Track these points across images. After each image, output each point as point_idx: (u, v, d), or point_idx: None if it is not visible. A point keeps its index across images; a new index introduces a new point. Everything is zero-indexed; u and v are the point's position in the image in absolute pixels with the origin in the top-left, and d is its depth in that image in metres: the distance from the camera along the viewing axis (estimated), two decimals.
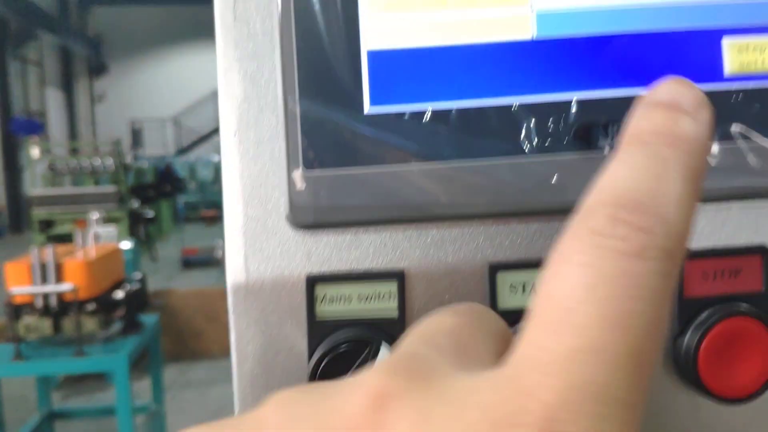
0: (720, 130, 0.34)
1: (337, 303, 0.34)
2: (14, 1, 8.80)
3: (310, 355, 0.33)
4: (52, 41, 11.92)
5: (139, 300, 2.79)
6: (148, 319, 2.83)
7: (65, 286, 2.46)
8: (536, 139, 0.34)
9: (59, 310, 2.48)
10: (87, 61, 14.09)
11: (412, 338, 0.21)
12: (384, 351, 0.31)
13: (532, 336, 0.17)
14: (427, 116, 0.34)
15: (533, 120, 0.34)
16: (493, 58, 0.34)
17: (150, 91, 14.83)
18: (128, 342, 2.56)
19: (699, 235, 0.34)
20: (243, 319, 0.34)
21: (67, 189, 6.90)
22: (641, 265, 0.17)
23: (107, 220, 4.55)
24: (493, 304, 0.34)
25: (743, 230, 0.35)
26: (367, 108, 0.34)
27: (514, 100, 0.34)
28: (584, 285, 0.17)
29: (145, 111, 14.40)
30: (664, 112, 0.20)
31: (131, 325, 2.65)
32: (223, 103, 0.34)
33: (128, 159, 8.79)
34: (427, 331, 0.21)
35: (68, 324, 2.48)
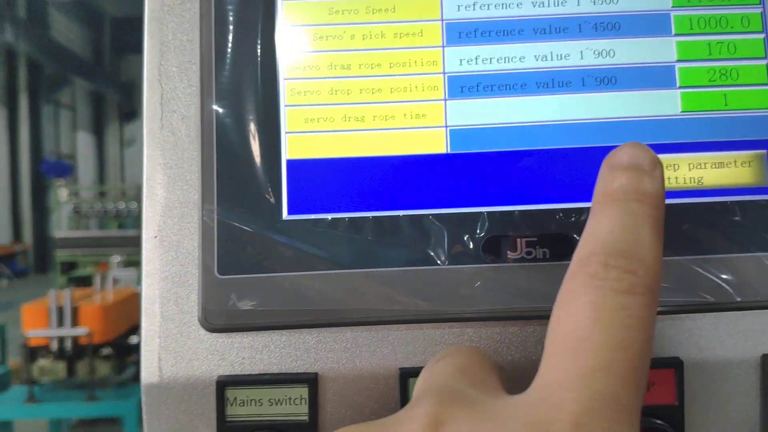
0: None
1: (248, 406, 0.35)
2: (50, 47, 9.09)
3: None
4: (85, 86, 12.24)
5: None
6: None
7: (80, 330, 2.49)
8: (448, 250, 0.35)
9: (74, 353, 2.50)
10: (118, 106, 14.44)
11: (435, 377, 0.25)
12: None
13: (552, 362, 0.22)
14: (343, 225, 0.35)
15: (445, 231, 0.35)
16: (408, 170, 0.35)
17: None
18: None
19: None
20: (156, 419, 0.35)
21: (90, 232, 7.01)
22: (632, 299, 0.22)
23: (128, 263, 4.60)
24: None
25: (658, 343, 0.35)
26: (285, 215, 0.35)
27: (428, 212, 0.35)
28: (591, 318, 0.22)
29: None
30: (627, 174, 0.25)
31: None
32: (146, 206, 0.36)
33: None
34: (446, 371, 0.25)
35: (82, 368, 2.50)
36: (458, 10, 0.36)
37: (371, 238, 0.35)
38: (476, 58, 0.36)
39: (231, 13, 0.36)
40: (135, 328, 2.76)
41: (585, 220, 0.34)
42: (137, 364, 2.58)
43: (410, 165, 0.35)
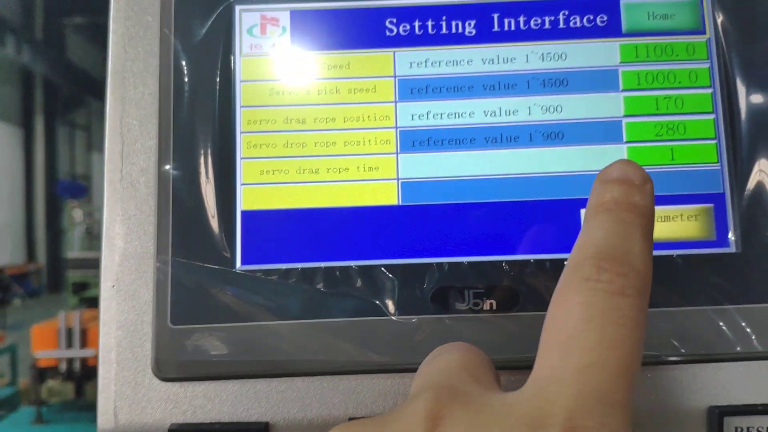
0: None
1: None
2: (66, 69, 9.22)
3: None
4: (100, 107, 12.37)
5: None
6: None
7: (89, 352, 2.50)
8: (397, 301, 0.35)
9: (82, 374, 2.51)
10: None
11: (433, 374, 0.26)
12: None
13: (546, 359, 0.23)
14: (295, 275, 0.35)
15: (395, 282, 0.35)
16: (360, 221, 0.36)
17: None
18: None
19: None
20: None
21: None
22: (623, 301, 0.23)
23: None
24: None
25: None
26: (238, 266, 0.36)
27: (378, 263, 0.36)
28: (584, 318, 0.22)
29: None
30: (619, 186, 0.26)
31: None
32: (104, 255, 0.37)
33: None
34: (444, 367, 0.26)
35: (90, 389, 2.51)
36: (410, 67, 0.37)
37: (322, 289, 0.35)
38: (427, 114, 0.36)
39: (190, 69, 0.37)
40: None
41: (531, 273, 0.34)
42: None
43: (362, 216, 0.36)
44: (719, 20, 0.37)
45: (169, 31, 0.37)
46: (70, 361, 2.50)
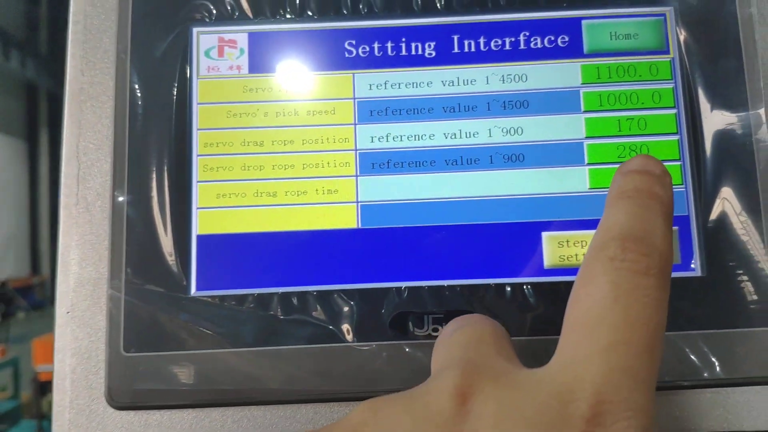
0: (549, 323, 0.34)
1: None
2: None
3: None
4: None
5: None
6: None
7: None
8: (356, 327, 0.35)
9: None
10: None
11: (455, 349, 0.26)
12: None
13: (572, 338, 0.23)
14: (250, 302, 0.35)
15: (352, 307, 0.35)
16: (319, 245, 0.35)
17: None
18: None
19: None
20: None
21: None
22: (648, 281, 0.23)
23: None
24: None
25: None
26: (192, 292, 0.35)
27: (336, 287, 0.35)
28: (610, 297, 0.23)
29: None
30: (640, 176, 0.27)
31: None
32: (59, 281, 0.36)
33: None
34: (465, 342, 0.27)
35: None
36: (370, 89, 0.36)
37: (279, 315, 0.35)
38: (387, 136, 0.36)
39: (146, 91, 0.36)
40: None
41: (491, 298, 0.34)
42: None
43: (321, 240, 0.35)
44: (683, 40, 0.36)
45: (125, 55, 0.36)
46: None
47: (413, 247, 0.35)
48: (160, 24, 0.37)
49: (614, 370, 0.21)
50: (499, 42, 0.36)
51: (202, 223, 0.36)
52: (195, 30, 0.37)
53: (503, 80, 0.36)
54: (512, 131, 0.36)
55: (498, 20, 0.37)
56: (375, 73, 0.36)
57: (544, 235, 0.35)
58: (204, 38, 0.37)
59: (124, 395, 0.34)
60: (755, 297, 0.34)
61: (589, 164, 0.35)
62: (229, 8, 0.37)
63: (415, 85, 0.36)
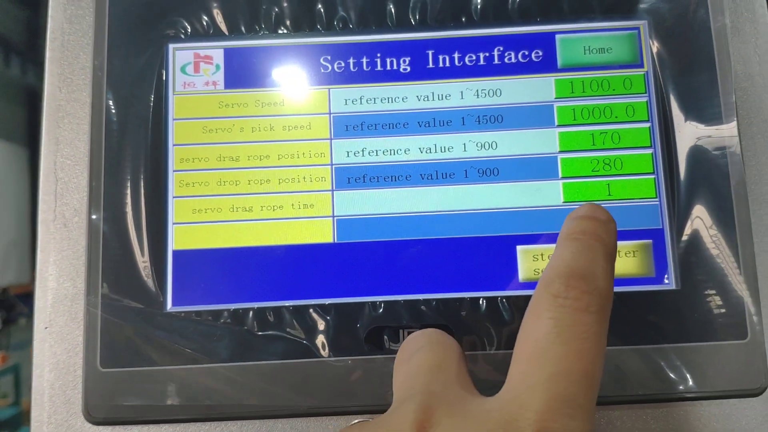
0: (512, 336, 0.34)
1: None
2: None
3: None
4: None
5: None
6: None
7: None
8: (330, 342, 0.35)
9: None
10: None
11: (414, 378, 0.28)
12: None
13: (520, 368, 0.25)
14: (226, 317, 0.35)
15: (328, 322, 0.35)
16: (294, 260, 0.36)
17: None
18: None
19: None
20: None
21: None
22: (588, 317, 0.25)
23: None
24: None
25: None
26: (168, 307, 0.35)
27: (311, 302, 0.35)
28: (553, 332, 0.25)
29: None
30: (587, 221, 0.29)
31: None
32: (37, 296, 0.36)
33: None
34: (424, 371, 0.28)
35: None
36: (345, 104, 0.36)
37: (253, 330, 0.35)
38: (363, 150, 0.36)
39: (122, 107, 0.37)
40: None
41: (466, 311, 0.34)
42: None
43: (297, 254, 0.35)
44: (657, 53, 0.36)
45: (102, 72, 0.37)
46: None
47: (389, 261, 0.35)
48: (136, 40, 0.37)
49: (555, 398, 0.24)
50: (474, 57, 0.37)
51: (177, 239, 0.36)
52: (171, 46, 0.37)
53: (478, 95, 0.36)
54: (487, 146, 0.36)
55: (472, 35, 0.37)
56: (350, 88, 0.37)
57: (519, 248, 0.35)
58: (180, 54, 0.37)
59: (101, 410, 0.34)
60: (724, 310, 0.34)
61: (563, 178, 0.36)
62: (204, 24, 0.37)
63: (390, 100, 0.36)
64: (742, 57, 0.38)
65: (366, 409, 0.34)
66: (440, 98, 0.36)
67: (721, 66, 0.36)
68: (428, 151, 0.36)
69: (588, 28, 0.37)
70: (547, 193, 0.35)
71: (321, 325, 0.35)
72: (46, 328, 0.36)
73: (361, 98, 0.36)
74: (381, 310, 0.35)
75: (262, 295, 0.35)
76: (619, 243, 0.35)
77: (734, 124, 0.36)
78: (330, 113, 0.37)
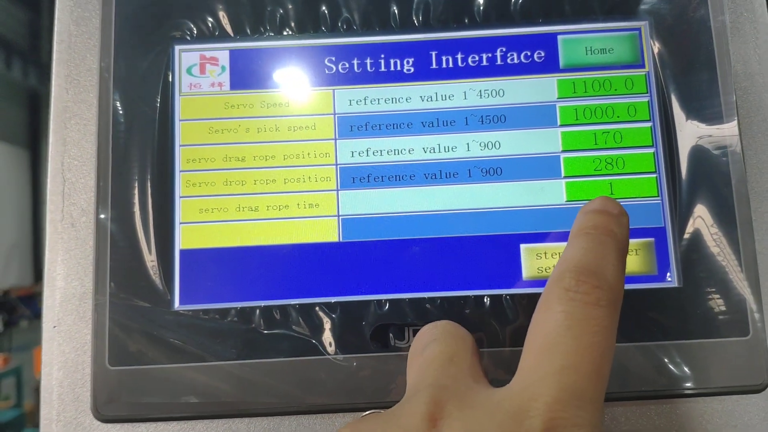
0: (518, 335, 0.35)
1: None
2: None
3: None
4: None
5: None
6: None
7: None
8: (337, 339, 0.35)
9: None
10: None
11: (426, 371, 0.28)
12: None
13: (530, 360, 0.26)
14: (233, 315, 0.35)
15: (334, 320, 0.35)
16: (300, 258, 0.36)
17: None
18: None
19: None
20: None
21: None
22: (598, 311, 0.26)
23: None
24: None
25: None
26: (176, 306, 0.36)
27: (317, 300, 0.35)
28: (563, 325, 0.26)
29: None
30: (599, 215, 0.30)
31: None
32: (46, 296, 0.37)
33: None
34: (436, 363, 0.29)
35: None
36: (349, 104, 0.37)
37: (260, 328, 0.35)
38: (367, 150, 0.37)
39: (129, 108, 0.37)
40: None
41: (470, 309, 0.34)
42: None
43: (302, 253, 0.36)
44: (658, 53, 0.37)
45: (109, 73, 0.37)
46: None
47: (394, 259, 0.36)
48: (142, 42, 0.37)
49: (564, 390, 0.24)
50: (477, 58, 0.37)
51: (184, 238, 0.36)
52: (177, 48, 0.37)
53: (481, 95, 0.37)
54: (490, 145, 0.36)
55: (475, 36, 0.37)
56: (354, 89, 0.37)
57: (523, 247, 0.36)
58: (186, 56, 0.37)
59: (110, 408, 0.35)
60: (725, 308, 0.35)
61: (565, 177, 0.36)
62: (210, 26, 0.38)
63: (394, 100, 0.37)
64: (742, 57, 0.38)
65: (371, 405, 0.35)
66: (444, 98, 0.37)
67: (722, 66, 0.37)
68: (432, 150, 0.36)
69: (590, 29, 0.37)
70: (550, 192, 0.36)
71: (327, 323, 0.35)
72: (54, 326, 0.36)
73: (365, 99, 0.37)
74: (386, 308, 0.35)
75: (269, 294, 0.36)
76: None
77: (735, 123, 0.36)
78: (335, 114, 0.37)
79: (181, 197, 0.36)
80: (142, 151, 0.37)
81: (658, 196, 0.36)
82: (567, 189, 0.36)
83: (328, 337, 0.35)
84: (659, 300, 0.35)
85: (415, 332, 0.35)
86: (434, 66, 0.37)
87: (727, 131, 0.36)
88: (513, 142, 0.36)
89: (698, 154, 0.36)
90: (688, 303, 0.35)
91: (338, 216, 0.36)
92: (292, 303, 0.35)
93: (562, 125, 0.36)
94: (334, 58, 0.37)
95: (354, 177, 0.36)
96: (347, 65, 0.37)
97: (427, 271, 0.35)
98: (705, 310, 0.35)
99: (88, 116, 0.38)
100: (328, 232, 0.36)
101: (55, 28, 0.39)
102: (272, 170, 0.37)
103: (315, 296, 0.35)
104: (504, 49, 0.37)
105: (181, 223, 0.36)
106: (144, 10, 0.38)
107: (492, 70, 0.37)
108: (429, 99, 0.37)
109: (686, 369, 0.34)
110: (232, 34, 0.38)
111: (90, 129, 0.38)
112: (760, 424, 0.35)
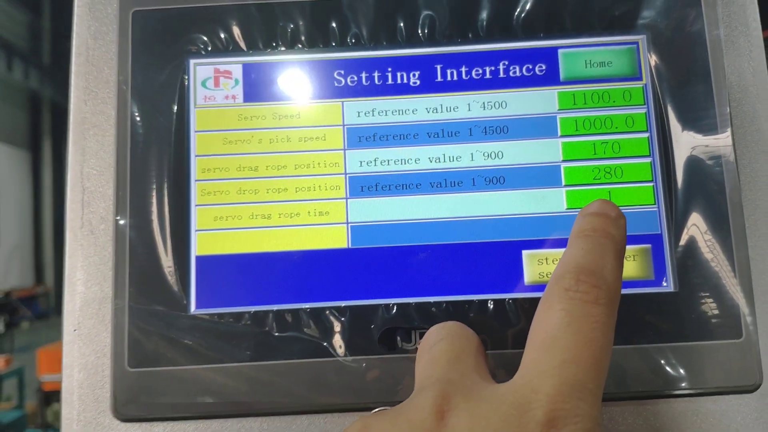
0: (518, 338, 0.36)
1: None
2: None
3: None
4: None
5: None
6: None
7: None
8: (346, 342, 0.37)
9: None
10: None
11: (434, 367, 0.30)
12: None
13: (532, 355, 0.27)
14: (247, 319, 0.37)
15: (344, 323, 0.37)
16: (311, 264, 0.37)
17: None
18: None
19: None
20: None
21: None
22: (597, 309, 0.27)
23: None
24: None
25: None
26: (192, 310, 0.37)
27: (327, 305, 0.37)
28: (564, 322, 0.27)
29: None
30: (597, 218, 0.31)
31: None
32: (66, 300, 0.38)
33: None
34: (443, 360, 0.30)
35: None
36: (358, 116, 0.38)
37: (273, 332, 0.37)
38: (375, 160, 0.38)
39: (146, 120, 0.38)
40: None
41: (476, 312, 0.36)
42: None
43: (313, 259, 0.37)
44: (655, 66, 0.38)
45: (126, 85, 0.39)
46: None
47: (401, 265, 0.37)
48: (158, 56, 0.39)
49: (565, 383, 0.26)
50: (480, 71, 0.38)
51: (200, 245, 0.38)
52: (192, 61, 0.39)
53: (484, 107, 0.38)
54: (493, 155, 0.38)
55: (479, 50, 0.39)
56: (363, 101, 0.39)
57: (525, 253, 0.37)
58: (200, 69, 0.39)
59: (129, 408, 0.36)
60: (719, 311, 0.36)
61: (566, 186, 0.37)
62: (224, 41, 0.39)
63: (400, 112, 0.38)
64: (737, 69, 0.39)
65: (379, 405, 0.36)
66: (448, 110, 0.38)
67: (717, 78, 0.38)
68: (437, 160, 0.38)
69: (589, 42, 0.39)
70: (551, 200, 0.37)
71: (337, 327, 0.37)
72: (75, 330, 0.38)
73: (373, 110, 0.38)
74: (394, 312, 0.37)
75: (281, 298, 0.37)
76: None
77: (729, 133, 0.37)
78: (344, 125, 0.38)
79: (196, 205, 0.38)
80: (159, 161, 0.38)
81: (654, 204, 0.37)
82: (567, 197, 0.37)
83: (338, 339, 0.37)
84: (656, 304, 0.36)
85: (421, 335, 0.37)
86: (439, 79, 0.38)
87: (721, 141, 0.37)
88: (515, 152, 0.38)
89: (693, 163, 0.37)
90: (684, 307, 0.36)
91: (347, 223, 0.38)
92: (304, 307, 0.37)
93: (562, 136, 0.38)
94: (343, 72, 0.39)
95: (362, 186, 0.38)
96: (356, 78, 0.39)
97: (433, 276, 0.37)
98: (700, 314, 0.36)
99: (106, 127, 0.39)
100: (338, 239, 0.37)
101: (73, 42, 0.40)
102: (284, 179, 0.38)
103: (325, 300, 0.37)
104: (506, 63, 0.38)
105: (197, 231, 0.38)
106: (160, 24, 0.39)
107: (495, 83, 0.38)
108: (434, 111, 0.38)
109: (682, 370, 0.36)
110: (245, 49, 0.39)
111: (108, 140, 0.39)
112: (753, 423, 0.36)
